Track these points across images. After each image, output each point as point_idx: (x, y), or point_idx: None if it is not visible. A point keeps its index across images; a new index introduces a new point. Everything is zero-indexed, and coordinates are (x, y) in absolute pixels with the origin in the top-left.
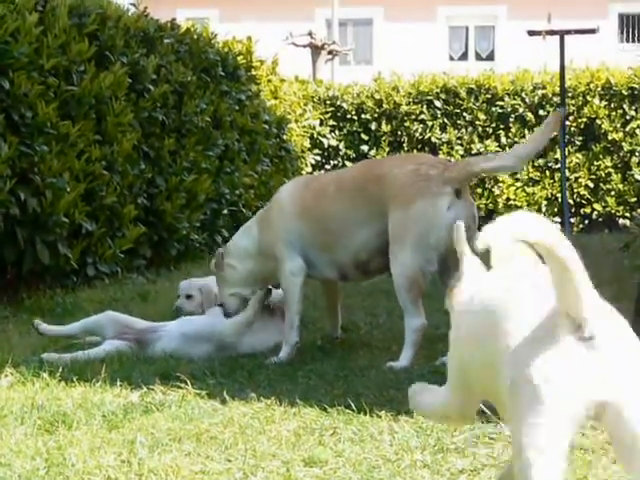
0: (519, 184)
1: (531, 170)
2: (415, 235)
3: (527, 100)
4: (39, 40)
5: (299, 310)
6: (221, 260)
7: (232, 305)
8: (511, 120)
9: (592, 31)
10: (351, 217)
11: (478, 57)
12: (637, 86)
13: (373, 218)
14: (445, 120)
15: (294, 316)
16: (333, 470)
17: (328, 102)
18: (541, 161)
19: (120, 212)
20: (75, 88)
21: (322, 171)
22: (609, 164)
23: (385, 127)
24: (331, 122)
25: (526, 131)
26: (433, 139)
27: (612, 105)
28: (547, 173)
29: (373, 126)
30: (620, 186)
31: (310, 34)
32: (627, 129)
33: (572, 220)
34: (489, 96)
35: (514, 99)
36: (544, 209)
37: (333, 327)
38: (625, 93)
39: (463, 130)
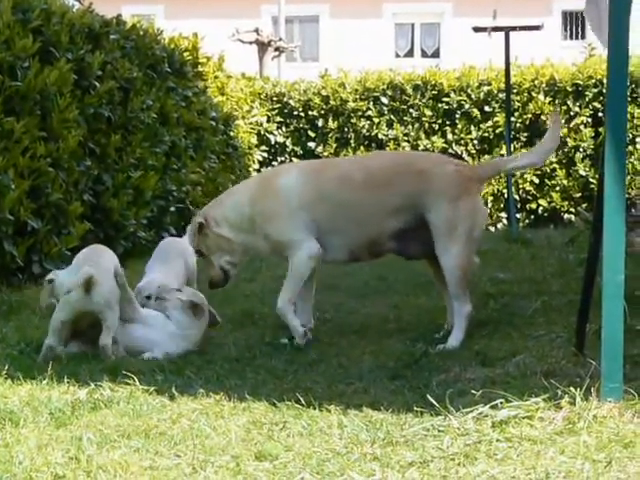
0: None
1: None
2: (464, 230)
3: (473, 96)
4: None
5: (298, 291)
6: (200, 229)
7: (219, 275)
8: (457, 116)
9: (537, 28)
10: (380, 206)
11: (424, 54)
12: (581, 82)
13: (403, 208)
14: (392, 116)
15: (294, 292)
16: (283, 464)
17: (275, 99)
18: (487, 157)
19: (66, 209)
20: (19, 84)
21: (268, 168)
22: (554, 160)
23: (332, 124)
24: (278, 119)
25: (472, 127)
26: (380, 135)
27: (556, 101)
28: None
29: (320, 123)
30: (565, 182)
31: (256, 31)
32: (571, 125)
33: (518, 216)
34: (435, 92)
35: (460, 95)
36: (490, 205)
37: (308, 317)
38: (569, 89)
39: (410, 126)
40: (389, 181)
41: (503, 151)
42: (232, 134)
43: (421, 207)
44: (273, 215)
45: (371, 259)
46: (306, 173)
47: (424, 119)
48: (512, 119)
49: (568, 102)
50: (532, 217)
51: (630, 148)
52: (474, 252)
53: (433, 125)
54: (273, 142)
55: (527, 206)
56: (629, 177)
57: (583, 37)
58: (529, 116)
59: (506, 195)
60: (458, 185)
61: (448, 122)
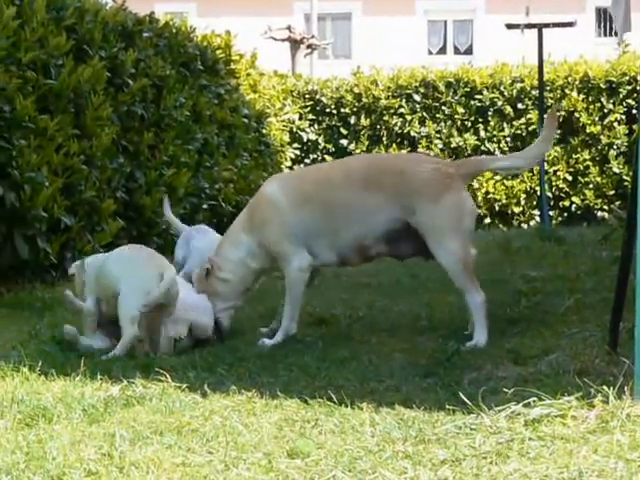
0: (498, 177)
1: None
2: (451, 223)
3: (505, 93)
4: (17, 33)
5: (301, 304)
6: (205, 276)
7: (226, 319)
8: (490, 113)
9: (570, 24)
10: (361, 204)
11: (456, 51)
12: (615, 79)
13: (385, 207)
14: (424, 114)
15: (296, 309)
16: (315, 462)
17: (307, 96)
18: None
19: (99, 206)
20: (53, 82)
21: (301, 165)
22: (587, 157)
23: (364, 121)
24: (310, 116)
25: (505, 124)
26: (412, 133)
27: (590, 98)
28: None
29: (352, 120)
30: (598, 179)
31: (289, 28)
32: (605, 122)
33: (551, 213)
34: (468, 90)
35: (492, 92)
36: (523, 202)
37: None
38: (603, 86)
39: (442, 124)
40: (369, 181)
41: None
42: (264, 131)
43: (404, 208)
44: (265, 222)
45: (362, 262)
46: (289, 179)
47: (456, 116)
48: (545, 116)
49: (602, 99)
50: (565, 215)
51: None
52: (469, 244)
53: (465, 122)
54: (305, 140)
55: (560, 204)
56: None
57: (617, 34)
58: (562, 113)
59: (539, 193)
60: (438, 183)
61: (481, 119)
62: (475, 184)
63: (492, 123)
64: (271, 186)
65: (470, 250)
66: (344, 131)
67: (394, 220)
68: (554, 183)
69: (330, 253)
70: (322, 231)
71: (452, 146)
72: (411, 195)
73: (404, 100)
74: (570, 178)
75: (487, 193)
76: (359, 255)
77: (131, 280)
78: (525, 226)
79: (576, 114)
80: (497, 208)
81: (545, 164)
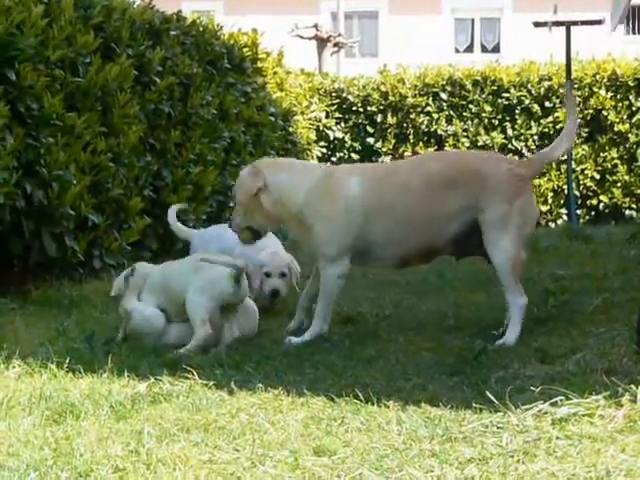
0: None
1: None
2: (516, 226)
3: (533, 92)
4: (45, 32)
5: (333, 305)
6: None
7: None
8: (517, 112)
9: (598, 22)
10: (440, 209)
11: (484, 49)
12: None
13: (461, 208)
14: (451, 112)
15: (328, 310)
16: (341, 460)
17: (334, 94)
18: None
19: (126, 204)
20: (81, 80)
21: (328, 163)
22: (615, 155)
23: (391, 119)
24: (337, 114)
25: (532, 123)
26: (439, 131)
27: (618, 96)
28: (553, 165)
29: (379, 118)
30: (626, 177)
31: (316, 26)
32: (633, 120)
33: (578, 212)
34: (495, 88)
35: (520, 91)
36: (550, 201)
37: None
38: (631, 84)
39: (469, 122)
40: (449, 185)
41: None
42: (291, 130)
43: (476, 208)
44: (327, 216)
45: (421, 264)
46: (368, 179)
47: (484, 115)
48: (564, 96)
49: (630, 97)
50: (593, 213)
51: None
52: (523, 247)
53: (493, 121)
54: (332, 138)
55: (588, 202)
56: None
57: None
58: (590, 111)
59: (566, 191)
60: (512, 185)
61: (508, 118)
62: None
63: (519, 121)
64: (350, 182)
65: (522, 253)
66: (370, 129)
67: (466, 221)
68: (582, 182)
69: (394, 258)
70: (394, 239)
71: (479, 144)
72: (484, 194)
73: (431, 98)
74: (598, 176)
75: None
76: (425, 257)
77: (198, 282)
78: (553, 225)
79: (604, 112)
80: None
81: (573, 162)
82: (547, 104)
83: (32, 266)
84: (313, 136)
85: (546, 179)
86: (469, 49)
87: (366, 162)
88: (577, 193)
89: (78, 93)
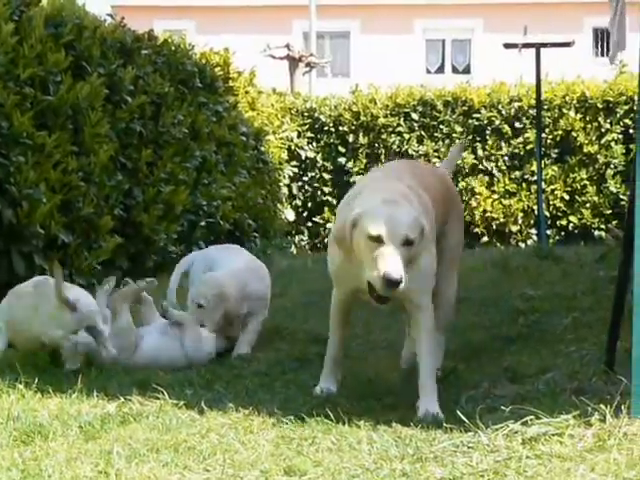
0: (496, 196)
1: (507, 182)
2: (460, 252)
3: (503, 112)
4: (15, 50)
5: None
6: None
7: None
8: (487, 132)
9: (567, 44)
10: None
11: (455, 70)
12: (612, 99)
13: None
14: (422, 132)
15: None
16: None
17: (306, 114)
18: (517, 173)
19: (97, 223)
20: (51, 98)
21: (299, 183)
22: (584, 176)
23: (362, 139)
24: (308, 134)
25: (502, 143)
26: (410, 151)
27: (587, 118)
28: (523, 185)
29: (350, 138)
30: (595, 198)
31: (287, 46)
32: (602, 142)
33: (548, 232)
34: (465, 108)
35: (490, 111)
36: (520, 221)
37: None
38: (600, 106)
39: (440, 142)
40: (440, 203)
41: (534, 167)
42: (263, 149)
43: (442, 231)
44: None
45: None
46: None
47: (454, 135)
48: (543, 135)
49: (599, 119)
50: (562, 234)
51: None
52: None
53: (463, 141)
54: (304, 157)
55: (557, 222)
56: None
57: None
58: (560, 132)
59: (536, 211)
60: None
61: (478, 138)
62: (473, 202)
63: (490, 142)
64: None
65: None
66: (342, 149)
67: None
68: (551, 202)
69: None
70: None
71: None
72: (452, 212)
73: (402, 119)
74: (567, 197)
75: (485, 212)
76: None
77: None
78: (523, 245)
79: (573, 133)
80: (494, 227)
81: (543, 183)
82: (517, 125)
83: (0, 285)
84: (285, 156)
85: (516, 199)
86: (440, 70)
87: (337, 182)
88: (547, 213)
89: (48, 111)
